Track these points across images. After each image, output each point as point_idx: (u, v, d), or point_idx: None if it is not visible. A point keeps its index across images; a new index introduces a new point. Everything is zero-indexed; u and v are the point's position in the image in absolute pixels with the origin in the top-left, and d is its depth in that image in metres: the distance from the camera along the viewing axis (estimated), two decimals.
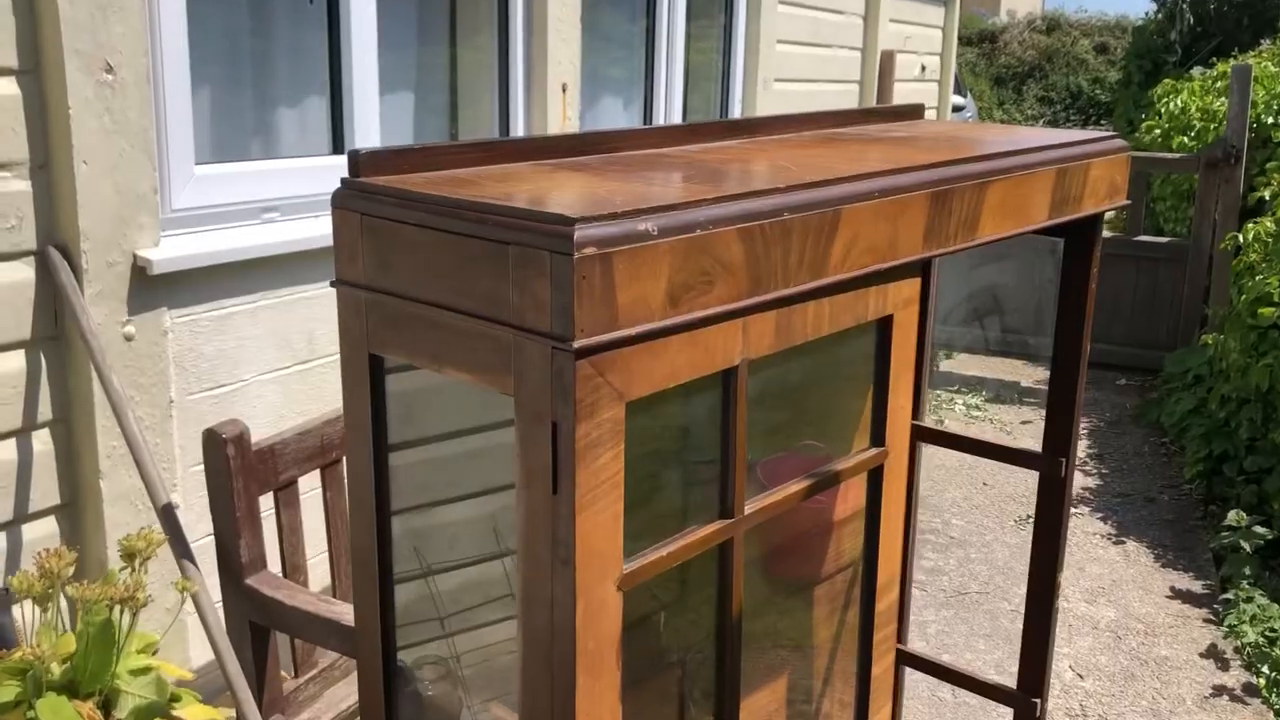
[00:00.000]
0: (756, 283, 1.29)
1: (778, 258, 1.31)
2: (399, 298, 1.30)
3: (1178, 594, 4.38)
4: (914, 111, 2.39)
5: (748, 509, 1.42)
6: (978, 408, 6.54)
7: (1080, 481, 5.51)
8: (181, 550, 2.33)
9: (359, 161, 1.37)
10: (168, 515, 2.34)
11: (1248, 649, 3.95)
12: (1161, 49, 13.49)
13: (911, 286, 1.73)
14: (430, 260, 1.24)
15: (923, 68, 8.12)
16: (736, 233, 1.24)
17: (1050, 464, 2.27)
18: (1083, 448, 5.96)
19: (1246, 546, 4.39)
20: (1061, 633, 4.08)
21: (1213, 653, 3.96)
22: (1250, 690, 3.73)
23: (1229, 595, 4.25)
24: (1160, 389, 6.55)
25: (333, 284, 1.40)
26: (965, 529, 4.93)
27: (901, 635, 2.43)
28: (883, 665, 2.02)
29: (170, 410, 2.79)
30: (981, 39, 20.63)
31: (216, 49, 3.14)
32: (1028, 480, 5.54)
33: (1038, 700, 2.26)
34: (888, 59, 6.72)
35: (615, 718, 1.22)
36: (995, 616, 4.17)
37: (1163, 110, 8.47)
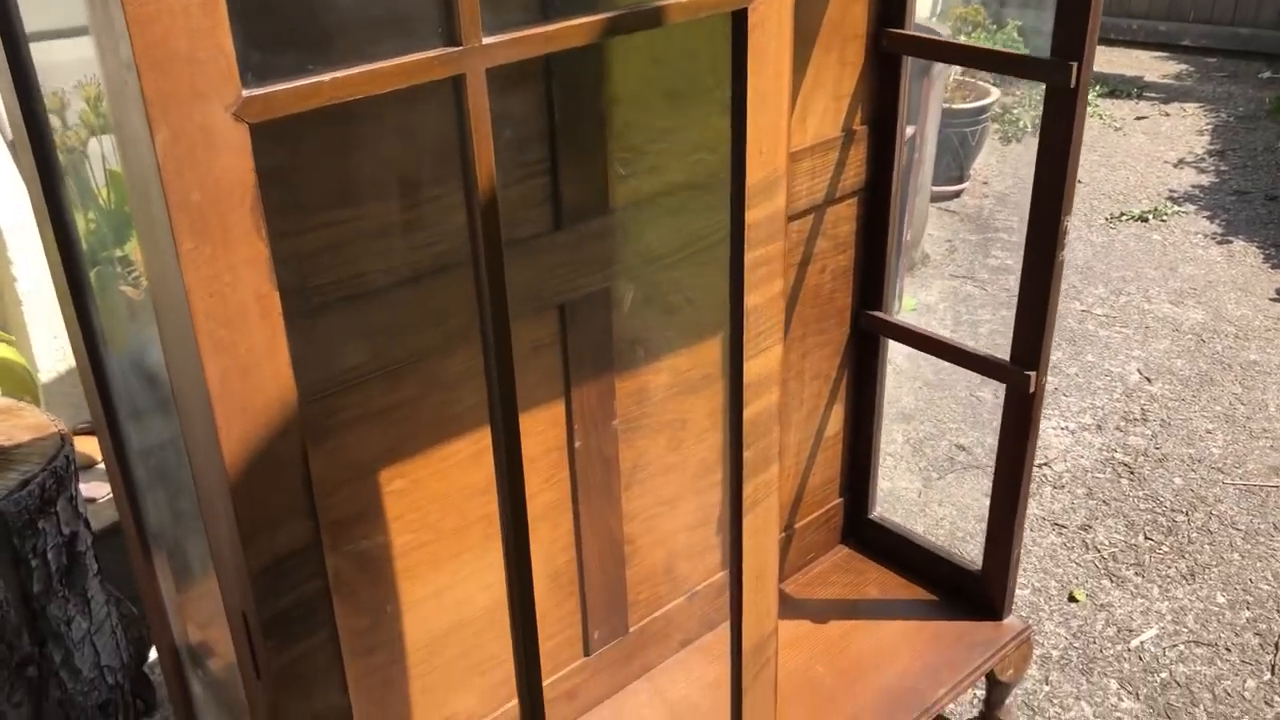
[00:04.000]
0: None
1: None
2: None
3: None
4: None
5: (493, 40, 0.96)
6: (1089, 104, 5.79)
7: (1191, 179, 4.85)
8: None
9: None
10: None
11: None
12: None
13: None
14: None
15: None
16: None
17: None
18: (1202, 143, 5.24)
19: None
20: (1136, 335, 3.61)
21: None
22: None
23: None
24: None
25: None
26: None
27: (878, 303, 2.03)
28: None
29: None
30: None
31: None
32: (1128, 176, 4.90)
33: (1032, 373, 1.86)
34: None
35: (270, 312, 0.88)
36: (1063, 317, 3.72)
37: None
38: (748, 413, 1.34)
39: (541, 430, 1.67)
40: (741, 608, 1.47)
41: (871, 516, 2.28)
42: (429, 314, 1.45)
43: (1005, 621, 2.10)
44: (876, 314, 2.07)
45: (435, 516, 1.57)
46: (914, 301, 3.84)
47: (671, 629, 2.01)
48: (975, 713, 2.24)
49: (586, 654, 1.89)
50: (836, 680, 1.99)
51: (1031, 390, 1.87)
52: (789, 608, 2.15)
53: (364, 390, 1.43)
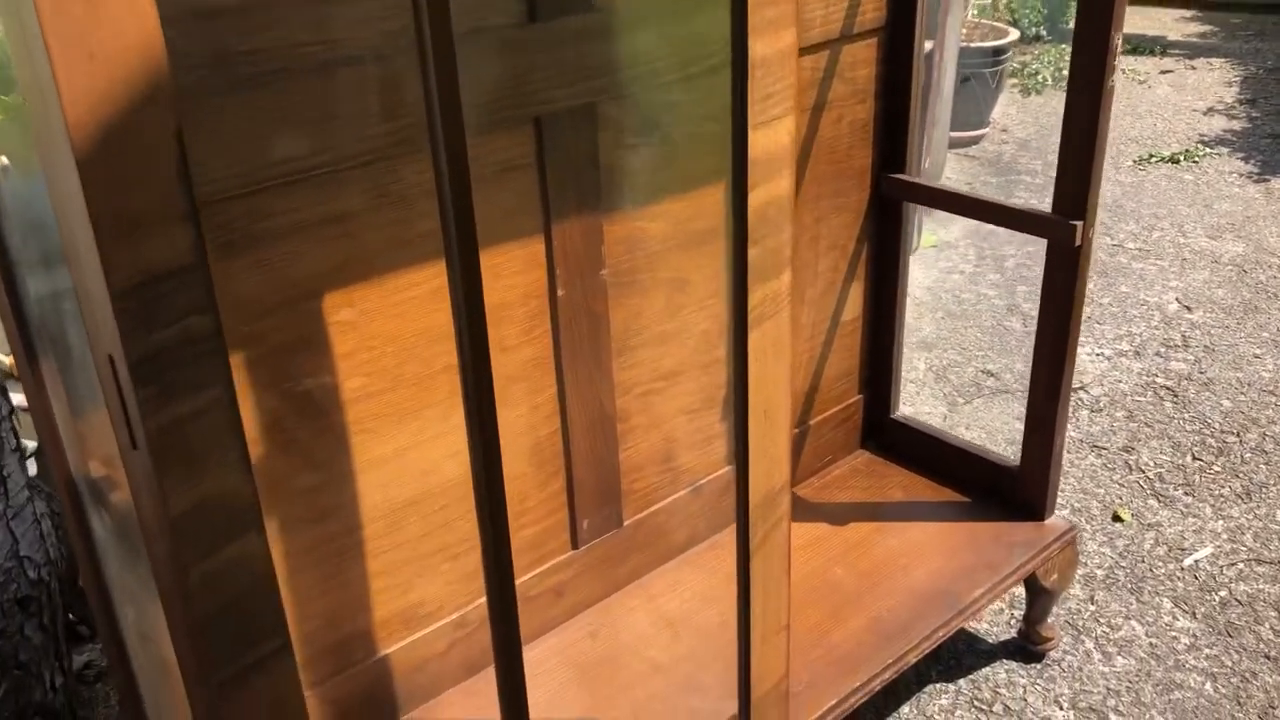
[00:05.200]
0: None
1: None
2: None
3: None
4: None
5: None
6: None
7: (1222, 124, 4.62)
8: None
9: None
10: None
11: None
12: None
13: None
14: None
15: None
16: None
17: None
18: (1231, 93, 5.02)
19: None
20: (1173, 267, 3.38)
21: None
22: None
23: None
24: None
25: None
26: None
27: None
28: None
29: None
30: None
31: None
32: (1155, 124, 4.68)
33: (1078, 223, 1.63)
34: None
35: None
36: (1093, 249, 3.49)
37: None
38: (753, 199, 1.12)
39: (518, 271, 1.45)
40: (747, 452, 1.25)
41: (895, 416, 2.06)
42: (378, 105, 1.24)
43: (1048, 522, 1.87)
44: (899, 176, 1.85)
45: (391, 361, 1.36)
46: (934, 238, 3.62)
47: (671, 527, 1.79)
48: (1013, 633, 2.01)
49: (575, 547, 1.67)
50: (859, 582, 1.76)
51: (1078, 243, 1.65)
52: (803, 511, 1.93)
53: (300, 193, 1.21)
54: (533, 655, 1.63)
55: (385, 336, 1.34)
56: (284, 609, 0.91)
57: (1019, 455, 1.87)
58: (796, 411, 1.95)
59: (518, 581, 1.60)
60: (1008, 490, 1.89)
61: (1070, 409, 2.68)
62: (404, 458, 1.41)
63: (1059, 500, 2.31)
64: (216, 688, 0.89)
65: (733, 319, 1.20)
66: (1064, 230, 1.65)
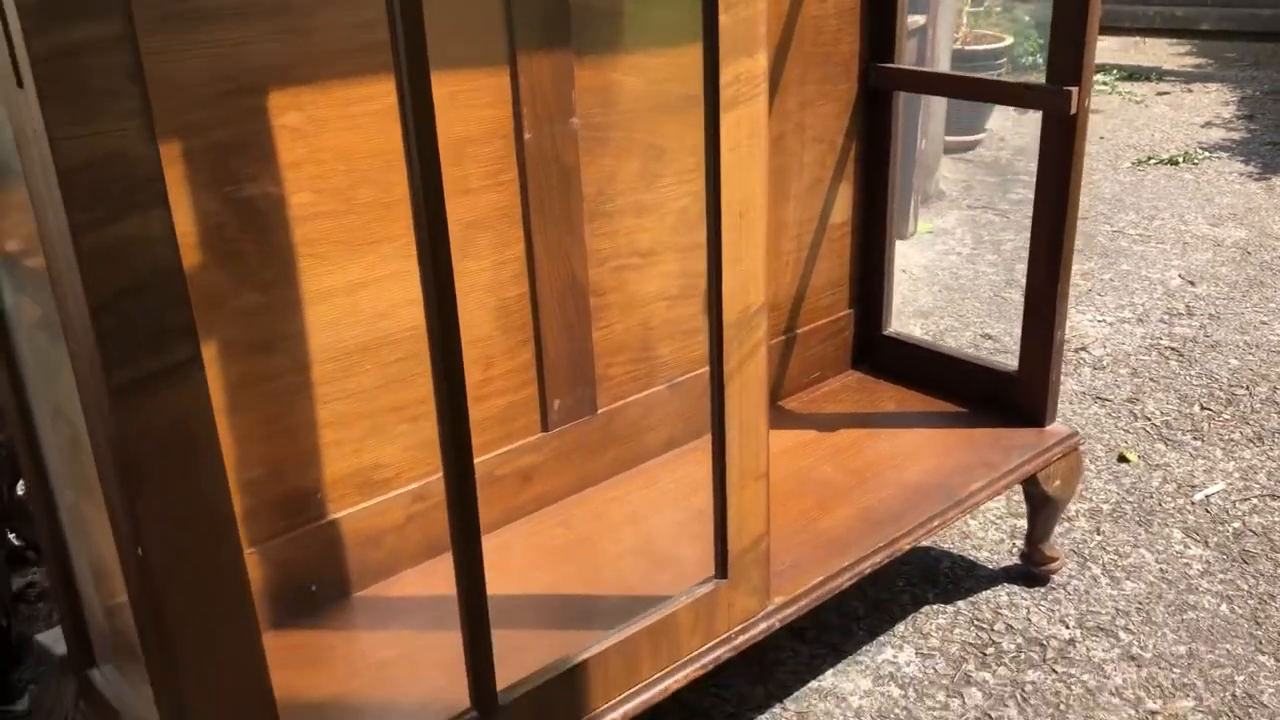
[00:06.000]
0: None
1: None
2: None
3: None
4: None
5: None
6: (1105, 84, 5.57)
7: (1221, 135, 4.59)
8: None
9: None
10: None
11: None
12: None
13: None
14: None
15: None
16: None
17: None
18: (1229, 111, 4.99)
19: None
20: (1175, 249, 3.31)
21: None
22: None
23: None
24: None
25: None
26: None
27: None
28: None
29: None
30: None
31: None
32: (1154, 135, 4.64)
33: (1073, 89, 1.56)
34: None
35: None
36: (1092, 236, 3.42)
37: None
38: None
39: (482, 105, 1.38)
40: (720, 257, 1.17)
41: (887, 333, 1.97)
42: None
43: (1049, 428, 1.76)
44: (889, 65, 1.79)
45: (344, 180, 1.27)
46: (930, 225, 3.55)
47: (650, 423, 1.69)
48: (1015, 560, 1.89)
49: (545, 429, 1.57)
50: (848, 478, 1.66)
51: (1073, 110, 1.57)
52: (789, 420, 1.83)
53: None
54: (498, 540, 1.52)
55: (337, 152, 1.26)
56: (194, 318, 0.82)
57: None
58: (784, 319, 1.85)
59: (483, 458, 1.50)
60: (1007, 398, 1.79)
61: (1071, 367, 2.59)
62: (356, 295, 1.32)
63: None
64: (115, 392, 0.79)
65: (705, 97, 1.12)
66: (1059, 98, 1.57)
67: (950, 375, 1.87)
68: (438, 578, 1.45)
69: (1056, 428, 1.76)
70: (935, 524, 1.56)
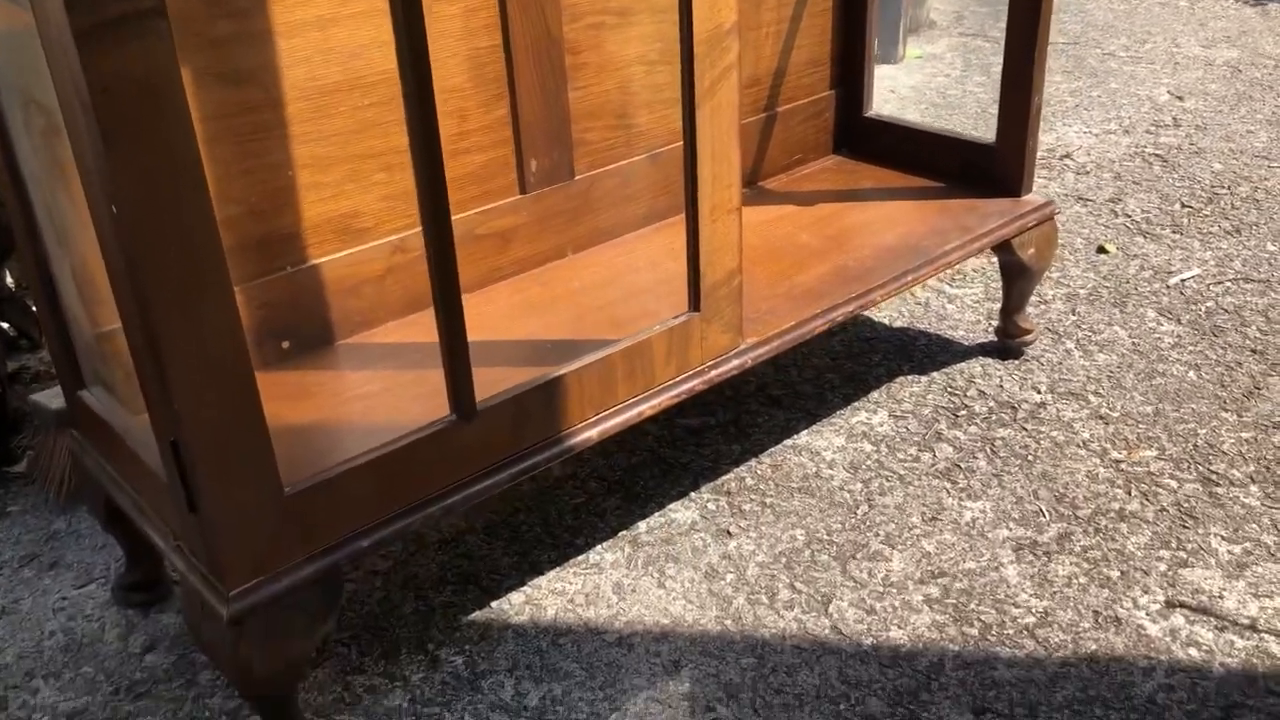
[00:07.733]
0: None
1: None
2: None
3: None
4: None
5: None
6: None
7: None
8: None
9: None
10: None
11: None
12: None
13: None
14: None
15: None
16: None
17: None
18: None
19: None
20: (1165, 69, 3.28)
21: None
22: None
23: None
24: None
25: None
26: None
27: None
28: None
29: None
30: None
31: None
32: None
33: None
34: None
35: None
36: (1082, 59, 3.39)
37: None
38: None
39: None
40: None
41: (868, 115, 1.96)
42: None
43: (1025, 197, 1.78)
44: None
45: None
46: (919, 51, 3.51)
47: (629, 194, 1.70)
48: (990, 337, 1.92)
49: (523, 191, 1.58)
50: (825, 243, 1.68)
51: None
52: (768, 197, 1.84)
53: None
54: (479, 297, 1.55)
55: None
56: None
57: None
58: (764, 95, 1.85)
59: (461, 215, 1.52)
60: (984, 169, 1.80)
61: (1055, 173, 2.59)
62: (327, 31, 1.32)
63: None
64: (80, 37, 0.80)
65: None
66: None
67: (930, 152, 1.87)
68: (419, 328, 1.47)
69: (1032, 197, 1.78)
70: (909, 279, 1.58)
